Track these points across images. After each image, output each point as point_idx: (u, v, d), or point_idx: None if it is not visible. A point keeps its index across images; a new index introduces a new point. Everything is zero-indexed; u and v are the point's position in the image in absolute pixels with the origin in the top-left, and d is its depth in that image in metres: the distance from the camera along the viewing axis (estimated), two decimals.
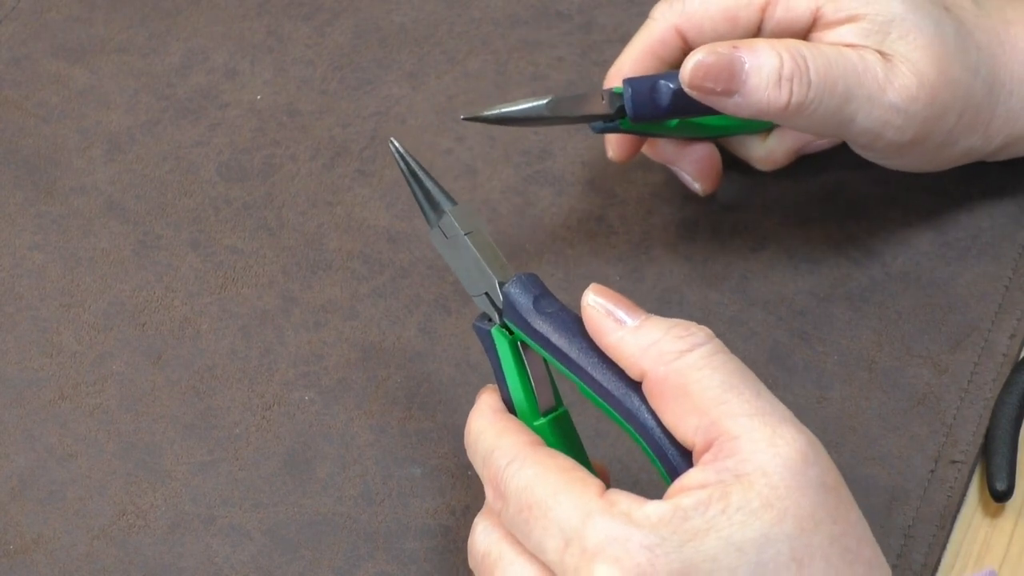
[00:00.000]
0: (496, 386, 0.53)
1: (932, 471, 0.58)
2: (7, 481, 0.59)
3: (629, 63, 0.61)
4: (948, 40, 0.58)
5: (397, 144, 0.55)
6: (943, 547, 0.57)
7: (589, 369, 0.48)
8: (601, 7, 0.73)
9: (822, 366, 0.61)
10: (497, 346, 0.51)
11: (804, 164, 0.67)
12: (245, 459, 0.59)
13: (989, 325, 0.62)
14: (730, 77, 0.56)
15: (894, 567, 0.56)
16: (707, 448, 0.45)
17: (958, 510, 0.58)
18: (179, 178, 0.68)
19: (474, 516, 0.57)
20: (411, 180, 0.54)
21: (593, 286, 0.49)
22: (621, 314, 0.48)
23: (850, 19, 0.58)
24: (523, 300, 0.50)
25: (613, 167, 0.67)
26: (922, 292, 0.63)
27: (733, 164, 0.67)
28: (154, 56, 0.72)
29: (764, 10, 0.59)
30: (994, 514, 0.58)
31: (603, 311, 0.48)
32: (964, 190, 0.66)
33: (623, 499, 0.45)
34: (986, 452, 0.59)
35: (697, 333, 0.47)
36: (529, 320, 0.50)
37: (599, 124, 0.60)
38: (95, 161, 0.68)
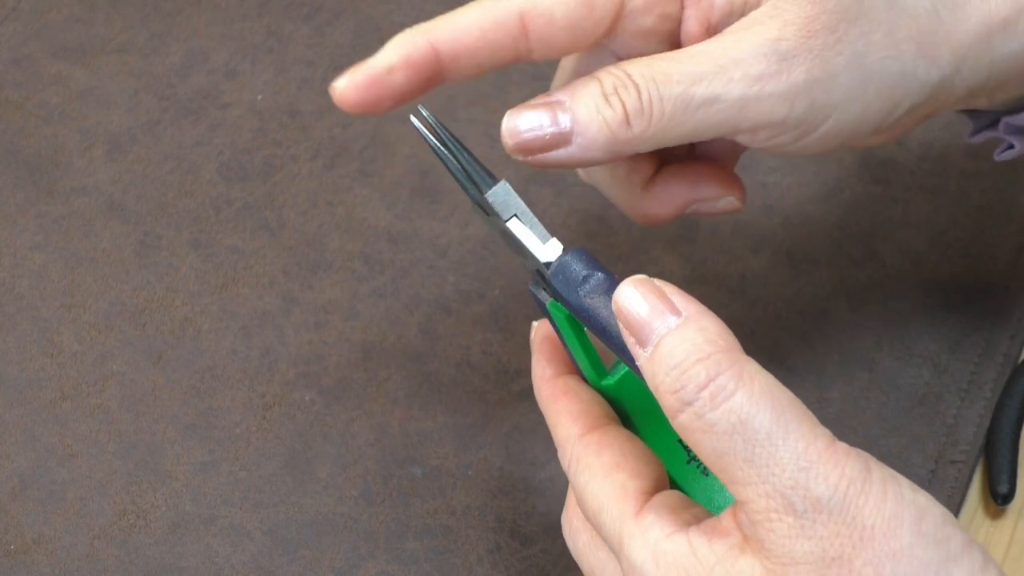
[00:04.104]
0: (548, 330, 0.51)
1: (932, 471, 0.58)
2: (8, 481, 0.59)
3: (452, 31, 0.50)
4: None
5: (427, 113, 0.50)
6: None
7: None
8: None
9: (822, 366, 0.61)
10: (554, 318, 0.49)
11: (804, 164, 0.67)
12: (246, 459, 0.59)
13: (989, 325, 0.62)
14: (553, 119, 0.49)
15: None
16: None
17: (958, 510, 0.58)
18: (180, 178, 0.68)
19: (474, 516, 0.58)
20: (446, 155, 0.50)
21: (622, 288, 0.44)
22: (631, 341, 0.44)
23: None
24: (565, 288, 0.48)
25: None
26: (922, 292, 0.63)
27: None
28: (154, 56, 0.72)
29: None
30: (994, 515, 0.58)
31: (624, 330, 0.45)
32: (964, 189, 0.66)
33: (655, 524, 0.44)
34: (987, 455, 0.59)
35: (687, 386, 0.42)
36: (575, 312, 0.48)
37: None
38: (96, 161, 0.69)
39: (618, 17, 0.50)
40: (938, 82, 0.51)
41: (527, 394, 0.61)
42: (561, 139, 0.49)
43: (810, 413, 0.43)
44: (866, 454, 0.43)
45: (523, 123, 0.49)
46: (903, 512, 0.41)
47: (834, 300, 0.63)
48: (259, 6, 0.74)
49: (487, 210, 0.49)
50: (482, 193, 0.49)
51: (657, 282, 0.44)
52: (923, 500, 0.42)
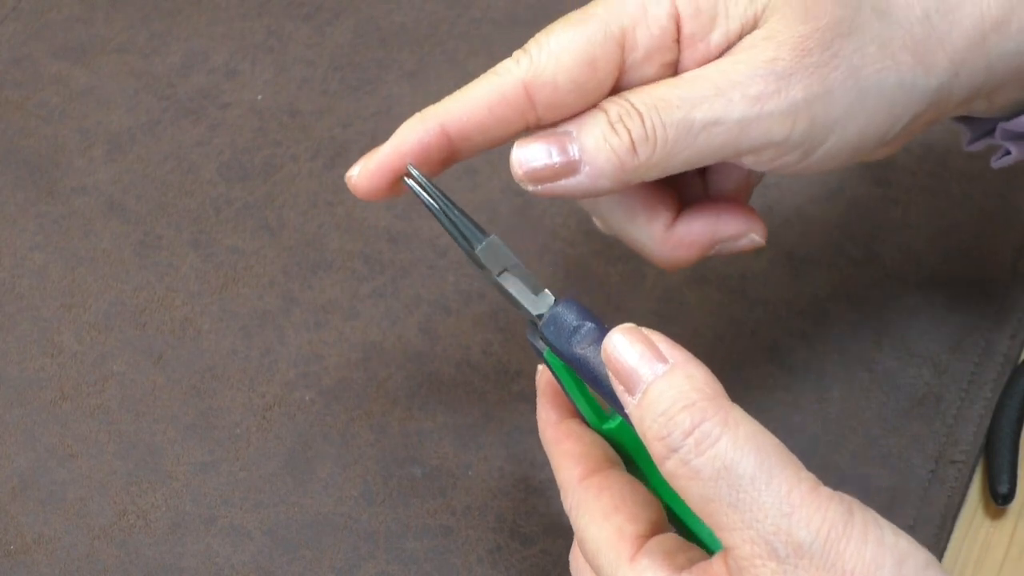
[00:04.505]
0: (552, 379, 0.52)
1: (932, 471, 0.58)
2: (8, 481, 0.59)
3: (459, 111, 0.51)
4: None
5: (416, 173, 0.51)
6: (943, 547, 0.57)
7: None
8: None
9: (822, 366, 0.61)
10: (552, 366, 0.50)
11: None
12: (246, 459, 0.59)
13: (989, 325, 0.62)
14: (561, 149, 0.49)
15: None
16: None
17: (958, 510, 0.58)
18: (180, 178, 0.68)
19: (474, 516, 0.58)
20: (438, 211, 0.51)
21: (611, 337, 0.45)
22: (620, 388, 0.45)
23: (712, 20, 0.50)
24: (557, 339, 0.49)
25: None
26: (922, 292, 0.63)
27: None
28: (155, 56, 0.72)
29: (623, 43, 0.50)
30: (994, 515, 0.58)
31: (613, 377, 0.45)
32: (964, 190, 0.66)
33: (649, 568, 0.45)
34: (987, 455, 0.59)
35: (673, 432, 0.43)
36: (567, 361, 0.49)
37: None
38: (96, 161, 0.69)
39: (621, 72, 0.51)
40: (937, 89, 0.51)
41: (527, 394, 0.61)
42: (570, 168, 0.49)
43: (795, 458, 0.43)
44: (850, 498, 0.43)
45: (532, 153, 0.50)
46: (884, 557, 0.42)
47: (834, 300, 0.63)
48: (259, 6, 0.74)
49: (479, 264, 0.50)
50: (473, 248, 0.50)
51: (645, 331, 0.45)
52: (905, 544, 0.43)
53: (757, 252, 0.65)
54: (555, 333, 0.49)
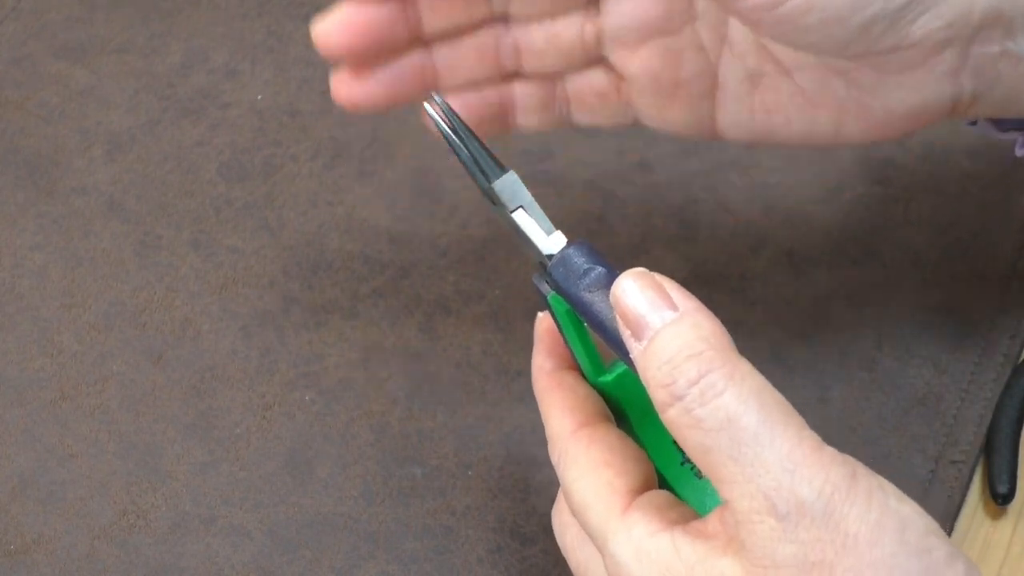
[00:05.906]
0: (551, 322, 0.51)
1: (932, 471, 0.58)
2: (7, 481, 0.59)
3: None
4: None
5: (440, 100, 0.50)
6: None
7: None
8: None
9: (822, 366, 0.61)
10: (555, 312, 0.49)
11: (804, 163, 0.67)
12: (246, 459, 0.59)
13: (989, 325, 0.62)
14: None
15: None
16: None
17: (958, 510, 0.58)
18: (180, 178, 0.68)
19: (474, 516, 0.58)
20: (457, 143, 0.50)
21: (621, 281, 0.44)
22: (627, 333, 0.44)
23: None
24: (565, 281, 0.48)
25: (613, 167, 0.67)
26: (922, 292, 0.63)
27: (731, 165, 0.67)
28: (154, 56, 0.72)
29: None
30: (994, 515, 0.58)
31: (621, 322, 0.45)
32: (964, 189, 0.66)
33: (640, 522, 0.44)
34: (987, 455, 0.59)
35: (678, 380, 0.42)
36: (574, 305, 0.48)
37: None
38: (96, 161, 0.69)
39: None
40: None
41: (527, 394, 0.61)
42: None
43: (799, 416, 0.43)
44: (853, 460, 0.42)
45: None
46: (887, 521, 0.41)
47: (834, 300, 0.63)
48: (259, 6, 0.74)
49: (494, 200, 0.49)
50: (490, 182, 0.49)
51: (656, 276, 0.45)
52: (907, 510, 0.42)
53: (757, 252, 0.65)
54: (564, 274, 0.48)
